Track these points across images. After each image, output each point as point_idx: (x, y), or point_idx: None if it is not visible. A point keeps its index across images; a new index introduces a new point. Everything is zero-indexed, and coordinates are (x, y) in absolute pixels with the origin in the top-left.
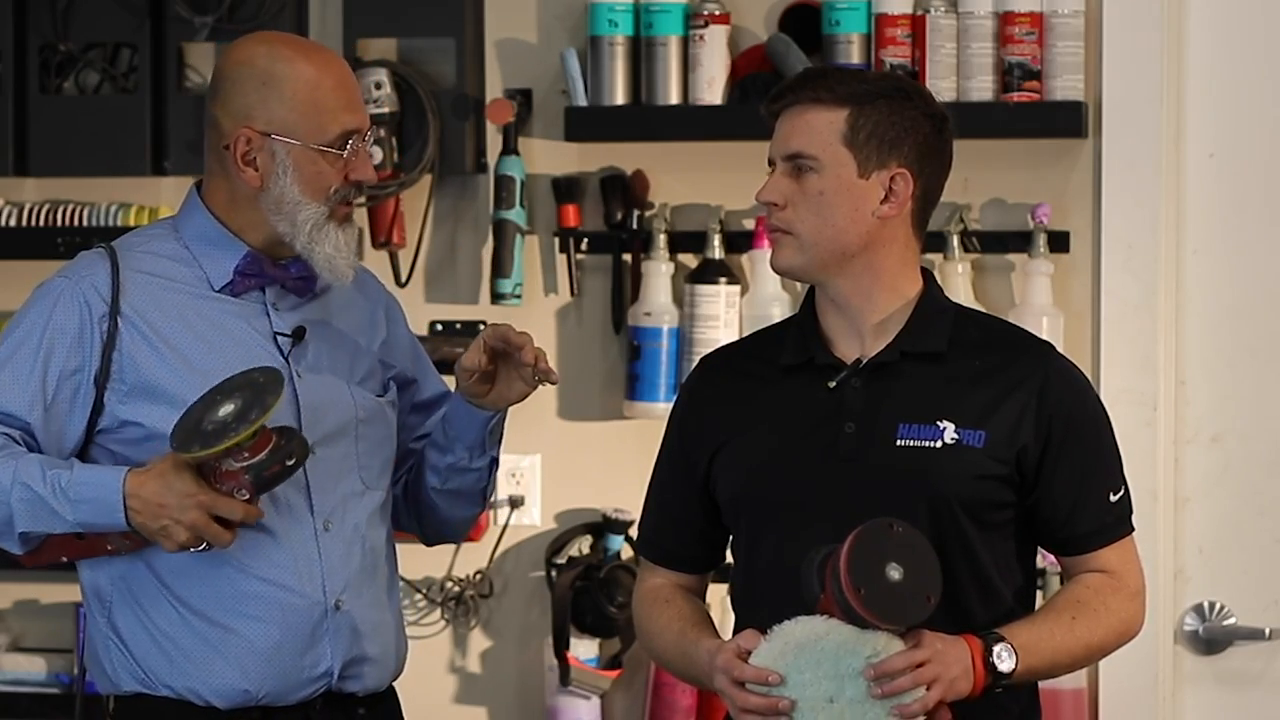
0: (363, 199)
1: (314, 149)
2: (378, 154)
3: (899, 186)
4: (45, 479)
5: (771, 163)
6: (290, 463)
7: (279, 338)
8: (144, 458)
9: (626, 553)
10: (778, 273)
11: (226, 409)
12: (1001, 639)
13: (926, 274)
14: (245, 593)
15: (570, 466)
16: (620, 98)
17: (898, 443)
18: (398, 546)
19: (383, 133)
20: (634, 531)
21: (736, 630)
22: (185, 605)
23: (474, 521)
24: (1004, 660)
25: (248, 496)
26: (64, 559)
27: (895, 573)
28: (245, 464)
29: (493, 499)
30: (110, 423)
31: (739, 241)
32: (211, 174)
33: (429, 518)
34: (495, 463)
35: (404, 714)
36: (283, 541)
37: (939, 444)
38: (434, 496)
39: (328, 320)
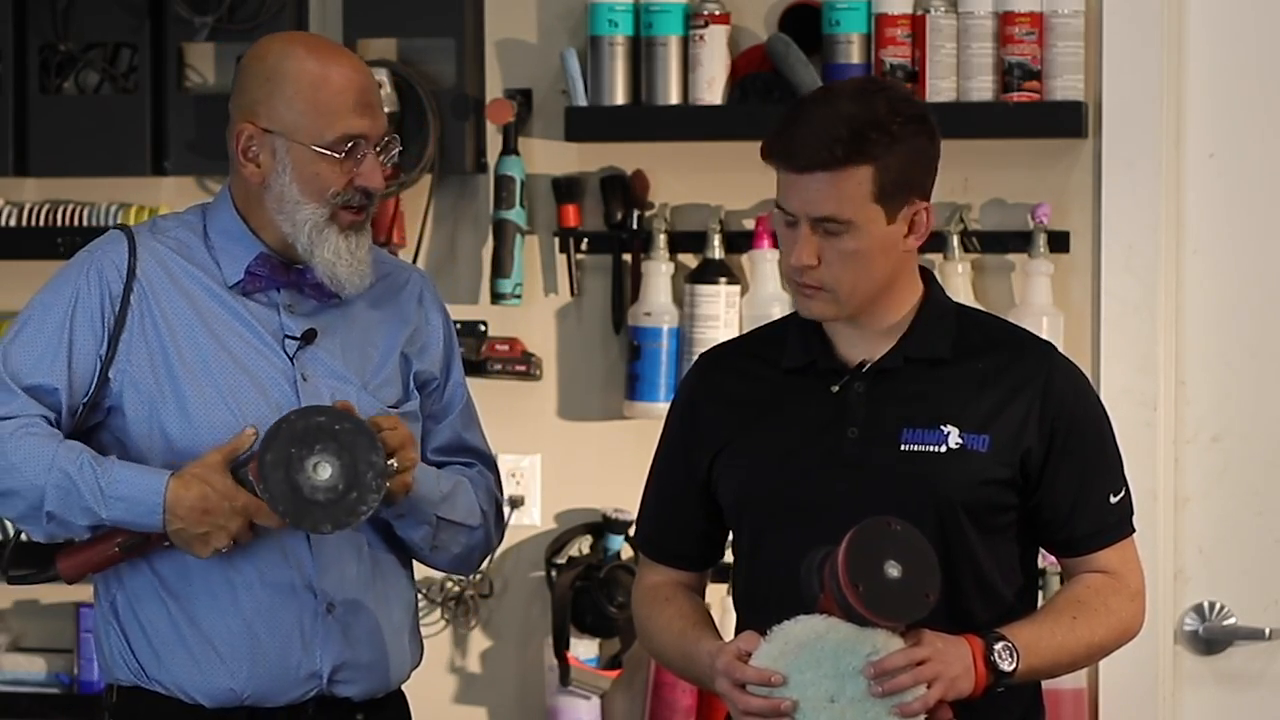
0: (373, 208)
1: (312, 150)
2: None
3: (920, 219)
4: (83, 467)
5: (788, 214)
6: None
7: (287, 340)
8: (114, 448)
9: (626, 553)
10: (811, 318)
11: (323, 471)
12: (1003, 638)
13: (928, 275)
14: (235, 592)
15: (570, 466)
16: (620, 98)
17: (901, 447)
18: None
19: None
20: (634, 530)
21: (738, 631)
22: (175, 601)
23: (454, 570)
24: (1005, 659)
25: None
26: (73, 573)
27: (894, 570)
28: None
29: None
30: (115, 402)
31: (739, 241)
32: (232, 170)
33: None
34: (433, 546)
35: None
36: (275, 542)
37: (943, 449)
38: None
39: (349, 323)
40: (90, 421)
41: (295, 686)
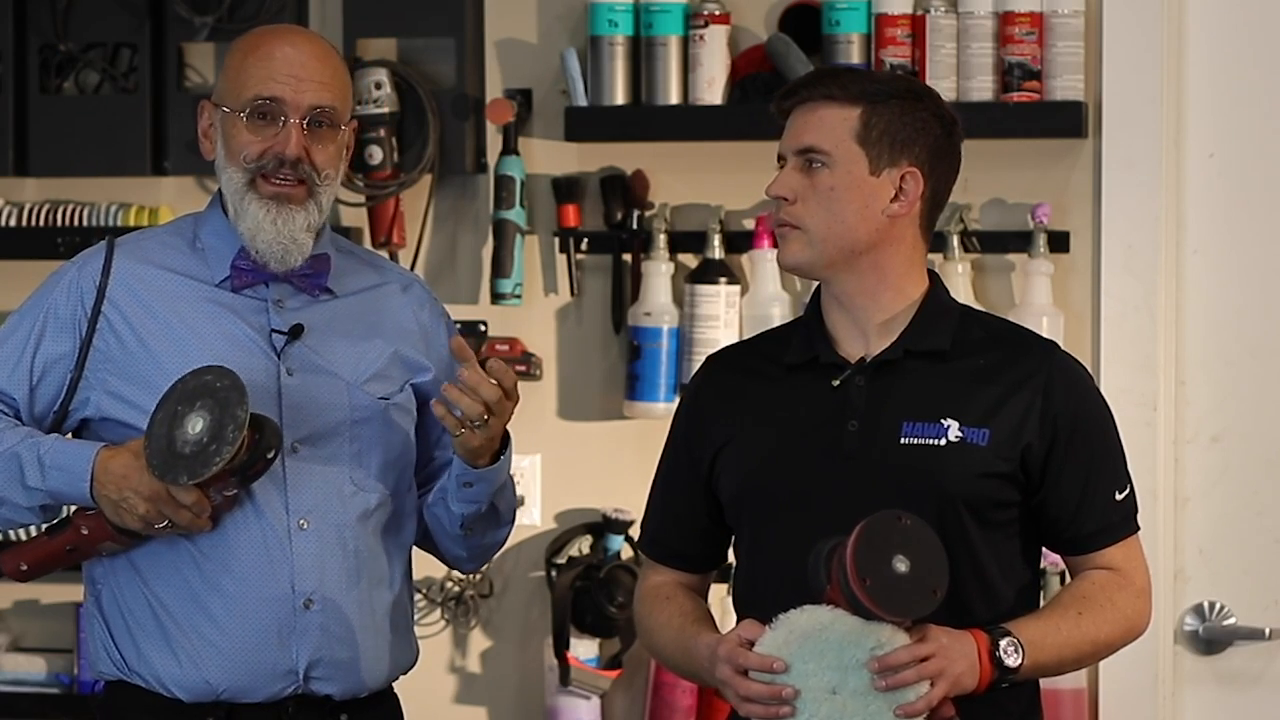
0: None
1: (230, 112)
2: (378, 154)
3: (909, 185)
4: (25, 443)
5: (781, 159)
6: (270, 456)
7: (275, 335)
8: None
9: (626, 553)
10: (785, 269)
11: (195, 425)
12: (1008, 634)
13: (933, 276)
14: (210, 585)
15: (570, 466)
16: (620, 98)
17: (901, 441)
18: None
19: (383, 131)
20: (634, 531)
21: None
22: (153, 594)
23: (465, 561)
24: (1011, 655)
25: (234, 491)
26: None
27: (902, 565)
28: (229, 468)
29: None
30: (94, 413)
31: (739, 241)
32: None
33: (428, 538)
34: (467, 527)
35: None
36: (252, 537)
37: (943, 442)
38: (424, 512)
39: (340, 319)
40: (69, 427)
41: (272, 683)
